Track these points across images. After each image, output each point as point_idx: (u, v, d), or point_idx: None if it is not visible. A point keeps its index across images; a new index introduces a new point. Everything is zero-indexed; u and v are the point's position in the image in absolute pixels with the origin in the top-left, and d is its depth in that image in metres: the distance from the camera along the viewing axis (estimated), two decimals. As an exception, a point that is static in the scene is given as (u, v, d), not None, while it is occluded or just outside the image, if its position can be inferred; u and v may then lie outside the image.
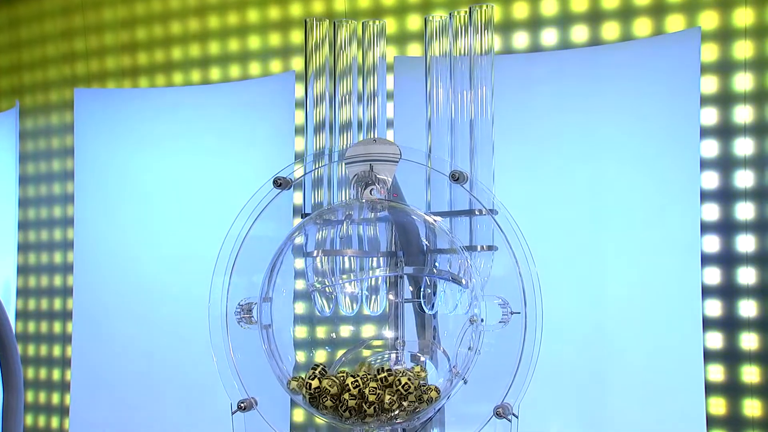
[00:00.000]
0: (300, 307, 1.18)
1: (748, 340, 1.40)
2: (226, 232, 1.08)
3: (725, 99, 1.42)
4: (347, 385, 0.98)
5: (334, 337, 1.15)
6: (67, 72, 1.97)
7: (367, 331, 1.13)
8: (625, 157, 1.44)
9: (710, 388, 1.40)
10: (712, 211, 1.42)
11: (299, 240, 1.09)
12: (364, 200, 1.04)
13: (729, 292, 1.41)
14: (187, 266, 1.71)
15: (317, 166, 1.12)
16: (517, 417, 0.98)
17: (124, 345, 1.81)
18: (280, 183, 1.07)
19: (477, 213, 1.05)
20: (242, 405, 1.06)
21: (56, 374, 1.96)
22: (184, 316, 1.67)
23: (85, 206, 1.88)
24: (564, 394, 1.44)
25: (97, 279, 1.86)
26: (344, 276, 1.07)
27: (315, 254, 1.08)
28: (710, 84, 1.43)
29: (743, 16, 1.40)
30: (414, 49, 1.63)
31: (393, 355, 1.08)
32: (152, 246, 1.81)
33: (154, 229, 1.81)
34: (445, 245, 1.06)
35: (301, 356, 1.14)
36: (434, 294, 1.06)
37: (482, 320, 0.99)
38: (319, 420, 1.06)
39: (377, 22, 1.14)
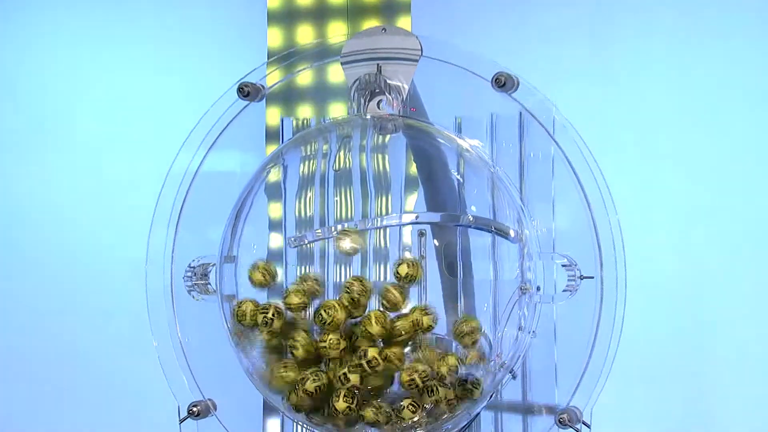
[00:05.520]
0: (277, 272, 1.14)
1: None
2: (169, 167, 1.07)
3: None
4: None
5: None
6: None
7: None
8: (736, 63, 1.46)
9: None
10: None
11: (275, 175, 1.07)
12: (368, 116, 1.02)
13: None
14: (119, 216, 1.74)
15: (300, 69, 1.10)
16: (588, 427, 0.95)
17: (41, 327, 1.85)
18: (248, 92, 1.05)
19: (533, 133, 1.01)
20: (194, 409, 1.05)
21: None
22: (117, 285, 1.69)
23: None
24: (654, 392, 1.46)
25: (6, 241, 1.88)
26: (340, 226, 1.03)
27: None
28: None
29: None
30: None
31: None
32: (74, 189, 1.83)
33: (75, 164, 1.83)
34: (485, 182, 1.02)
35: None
36: (470, 251, 1.03)
37: (538, 288, 0.97)
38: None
39: None
